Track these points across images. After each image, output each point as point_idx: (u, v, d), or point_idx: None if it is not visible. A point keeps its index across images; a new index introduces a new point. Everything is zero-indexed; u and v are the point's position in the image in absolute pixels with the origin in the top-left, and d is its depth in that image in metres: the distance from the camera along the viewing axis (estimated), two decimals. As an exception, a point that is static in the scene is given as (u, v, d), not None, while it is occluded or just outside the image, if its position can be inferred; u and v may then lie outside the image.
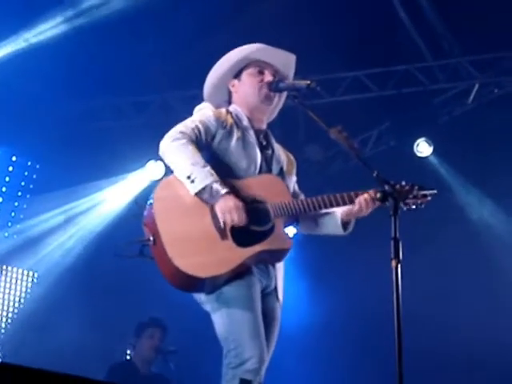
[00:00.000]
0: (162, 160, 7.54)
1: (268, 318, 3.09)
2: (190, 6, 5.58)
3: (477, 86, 6.52)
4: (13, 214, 6.74)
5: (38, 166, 6.82)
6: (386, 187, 2.88)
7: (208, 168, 3.01)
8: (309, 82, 3.17)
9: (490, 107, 6.50)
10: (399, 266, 2.70)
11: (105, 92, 6.54)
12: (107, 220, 6.81)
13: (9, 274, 6.76)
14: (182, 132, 3.09)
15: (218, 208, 2.98)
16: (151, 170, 6.79)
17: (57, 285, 6.65)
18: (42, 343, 6.19)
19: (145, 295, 6.43)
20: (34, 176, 6.80)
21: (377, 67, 6.49)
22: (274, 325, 3.14)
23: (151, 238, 3.00)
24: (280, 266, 3.20)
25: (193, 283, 2.97)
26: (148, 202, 3.08)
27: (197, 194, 3.00)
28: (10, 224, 6.69)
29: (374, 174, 2.96)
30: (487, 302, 6.27)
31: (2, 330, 6.67)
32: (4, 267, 6.74)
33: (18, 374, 2.08)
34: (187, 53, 6.00)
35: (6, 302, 6.74)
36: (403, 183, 3.05)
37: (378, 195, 2.92)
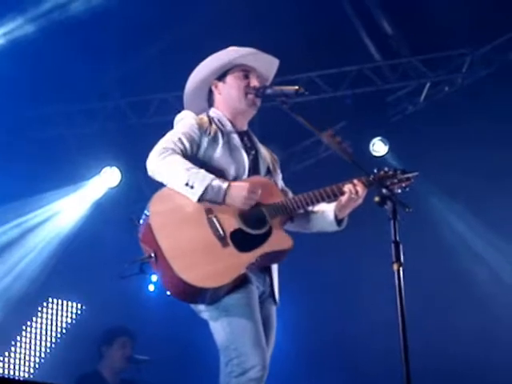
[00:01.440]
0: (117, 166, 7.42)
1: (265, 323, 3.07)
2: (141, 8, 5.57)
3: (428, 84, 6.62)
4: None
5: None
6: (384, 191, 2.86)
7: (202, 170, 3.00)
8: (297, 87, 3.19)
9: (441, 105, 6.60)
10: (401, 269, 2.69)
11: (55, 99, 6.44)
12: (65, 230, 6.70)
13: (54, 306, 6.77)
14: (165, 147, 3.04)
15: (234, 200, 2.98)
16: (107, 177, 6.72)
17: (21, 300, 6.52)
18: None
19: (110, 306, 6.35)
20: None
21: (329, 68, 6.52)
22: (270, 329, 3.14)
23: (152, 255, 2.96)
24: (275, 268, 3.19)
25: (198, 294, 2.95)
26: (142, 217, 3.02)
27: (201, 198, 2.96)
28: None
29: (371, 178, 3.04)
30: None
31: (37, 359, 6.63)
32: (50, 299, 6.74)
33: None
34: (138, 57, 5.97)
35: (48, 333, 6.73)
36: (386, 169, 3.11)
37: (377, 199, 2.87)
